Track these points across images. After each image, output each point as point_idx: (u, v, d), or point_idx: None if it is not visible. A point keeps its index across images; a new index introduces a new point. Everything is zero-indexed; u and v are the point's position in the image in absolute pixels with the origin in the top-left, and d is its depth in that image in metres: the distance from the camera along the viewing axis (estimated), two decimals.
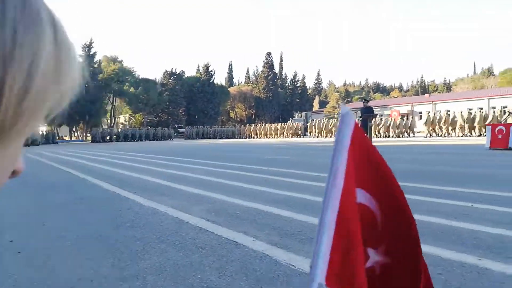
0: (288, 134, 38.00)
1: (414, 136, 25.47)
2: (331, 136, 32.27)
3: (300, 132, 37.21)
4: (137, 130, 43.87)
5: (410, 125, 26.00)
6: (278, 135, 38.93)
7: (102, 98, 54.60)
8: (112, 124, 60.20)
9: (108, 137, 39.05)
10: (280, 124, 41.22)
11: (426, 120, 25.07)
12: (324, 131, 33.30)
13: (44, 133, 35.76)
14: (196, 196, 4.07)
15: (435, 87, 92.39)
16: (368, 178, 0.48)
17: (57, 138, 53.85)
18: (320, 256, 0.42)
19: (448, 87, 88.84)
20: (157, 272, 1.87)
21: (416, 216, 0.47)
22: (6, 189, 5.11)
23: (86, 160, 10.44)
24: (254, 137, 40.91)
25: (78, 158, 11.18)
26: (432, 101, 48.51)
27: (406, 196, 0.50)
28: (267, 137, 39.28)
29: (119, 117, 67.67)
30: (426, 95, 59.39)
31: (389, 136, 27.12)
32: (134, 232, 2.66)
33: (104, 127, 54.40)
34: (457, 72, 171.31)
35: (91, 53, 51.38)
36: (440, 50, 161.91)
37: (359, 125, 0.45)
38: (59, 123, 52.41)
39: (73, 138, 49.77)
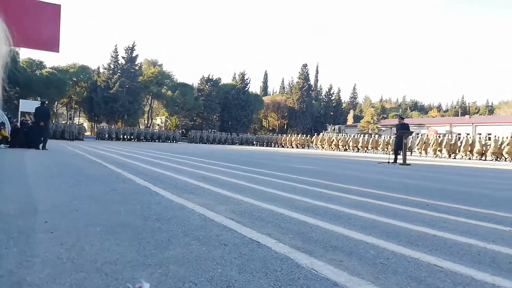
0: (297, 145, 40.25)
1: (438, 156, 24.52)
2: (340, 150, 32.55)
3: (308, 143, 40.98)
4: (143, 131, 44.87)
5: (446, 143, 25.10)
6: (292, 145, 40.97)
7: (141, 99, 56.37)
8: (148, 125, 62.05)
9: (114, 135, 39.25)
10: (292, 135, 44.83)
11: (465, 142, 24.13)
12: (330, 143, 35.72)
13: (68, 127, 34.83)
14: (223, 197, 4.10)
15: (476, 109, 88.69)
16: None
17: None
18: None
19: (490, 109, 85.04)
20: (179, 263, 1.90)
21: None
22: (43, 179, 5.37)
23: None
24: (274, 146, 42.65)
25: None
26: (472, 123, 46.64)
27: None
28: (288, 147, 41.03)
29: (156, 119, 69.63)
30: (466, 116, 57.19)
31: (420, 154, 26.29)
32: (160, 224, 2.71)
33: (141, 127, 56.14)
34: (501, 95, 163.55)
35: (133, 55, 53.22)
36: (484, 71, 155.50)
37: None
38: (99, 120, 54.60)
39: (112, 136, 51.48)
